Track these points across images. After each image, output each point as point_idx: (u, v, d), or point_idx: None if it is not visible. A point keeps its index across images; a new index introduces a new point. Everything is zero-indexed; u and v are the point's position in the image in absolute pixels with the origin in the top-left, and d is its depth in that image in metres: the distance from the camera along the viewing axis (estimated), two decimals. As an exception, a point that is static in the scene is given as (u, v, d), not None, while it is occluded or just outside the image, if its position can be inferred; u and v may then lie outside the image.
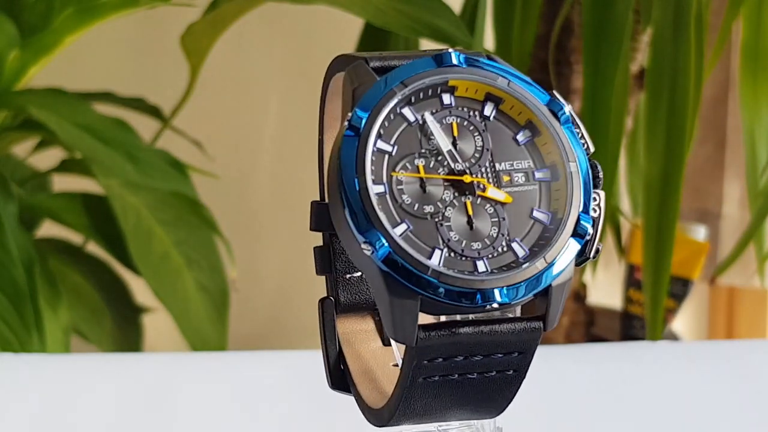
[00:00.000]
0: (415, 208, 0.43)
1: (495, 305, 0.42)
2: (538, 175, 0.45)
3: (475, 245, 0.43)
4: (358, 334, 0.50)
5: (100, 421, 0.68)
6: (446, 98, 0.44)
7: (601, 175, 0.45)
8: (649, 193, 1.00)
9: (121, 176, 1.03)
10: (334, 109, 0.48)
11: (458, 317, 0.43)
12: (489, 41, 1.24)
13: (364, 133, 0.42)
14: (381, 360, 0.49)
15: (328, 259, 0.49)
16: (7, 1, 1.06)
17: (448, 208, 0.43)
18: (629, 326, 1.37)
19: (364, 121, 0.42)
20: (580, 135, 0.45)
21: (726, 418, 0.68)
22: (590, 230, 0.44)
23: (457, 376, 0.44)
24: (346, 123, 0.42)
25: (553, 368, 0.66)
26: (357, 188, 0.42)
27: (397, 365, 0.49)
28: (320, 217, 0.44)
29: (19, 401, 0.70)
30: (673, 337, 1.38)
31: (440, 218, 0.43)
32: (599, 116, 0.97)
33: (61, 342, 1.02)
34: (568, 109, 0.45)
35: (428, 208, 0.43)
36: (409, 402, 0.44)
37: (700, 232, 1.36)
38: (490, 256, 0.43)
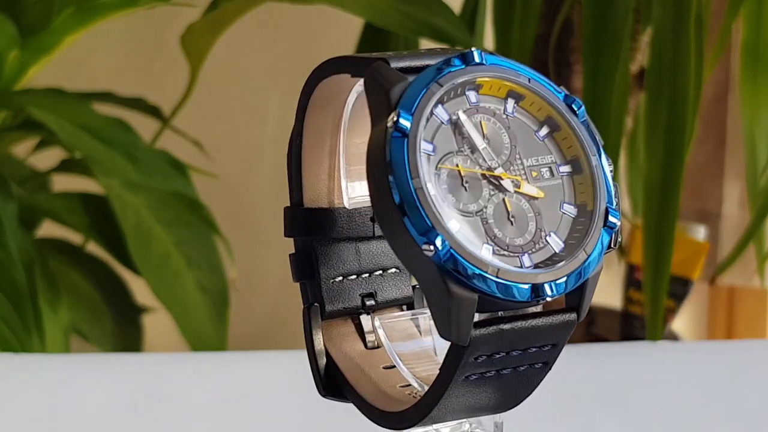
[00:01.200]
0: (461, 206, 0.43)
1: (547, 299, 0.43)
2: (561, 169, 0.45)
3: (518, 241, 0.44)
4: (344, 338, 0.50)
5: (100, 421, 0.68)
6: (472, 96, 0.45)
7: (612, 167, 0.46)
8: (649, 193, 1.00)
9: (121, 176, 1.03)
10: (317, 113, 0.48)
11: (500, 313, 0.43)
12: (489, 41, 1.24)
13: (412, 134, 0.42)
14: (371, 363, 0.49)
15: (309, 265, 0.49)
16: (7, 1, 1.06)
17: (489, 205, 0.43)
18: (629, 326, 1.37)
19: (410, 123, 0.42)
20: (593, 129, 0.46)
21: (726, 418, 0.68)
22: (618, 221, 0.45)
23: (493, 372, 0.44)
24: (390, 125, 0.42)
25: (553, 368, 0.66)
26: (412, 189, 0.41)
27: (388, 367, 0.49)
28: (295, 222, 0.46)
29: (19, 401, 0.70)
30: (673, 337, 1.38)
31: (484, 215, 0.43)
32: (599, 116, 0.97)
33: (61, 342, 1.02)
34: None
35: (472, 206, 0.43)
36: (445, 402, 0.44)
37: (700, 232, 1.36)
38: (531, 251, 0.44)
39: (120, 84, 1.27)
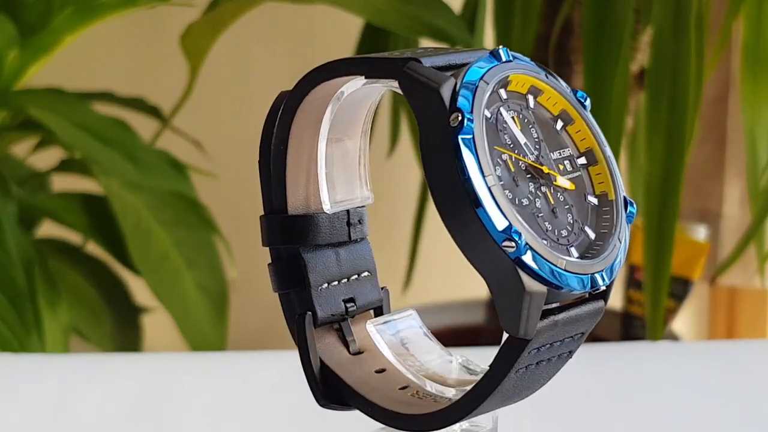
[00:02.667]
0: (517, 201, 0.43)
1: (601, 288, 0.44)
2: (578, 161, 0.46)
3: (564, 233, 0.44)
4: (333, 345, 0.50)
5: (100, 421, 0.68)
6: (502, 93, 0.45)
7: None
8: (650, 193, 1.00)
9: (120, 176, 1.03)
10: (302, 118, 0.47)
11: (554, 304, 0.44)
12: (489, 41, 1.24)
13: (477, 133, 0.42)
14: (362, 368, 0.49)
15: (296, 273, 0.48)
16: (7, 1, 1.05)
17: (536, 199, 0.44)
18: (629, 326, 1.37)
19: (474, 122, 0.42)
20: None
21: (726, 418, 0.68)
22: (635, 210, 0.46)
23: (535, 363, 0.44)
24: (456, 125, 0.42)
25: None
26: (488, 188, 0.41)
27: (379, 371, 0.48)
28: (281, 230, 0.45)
29: (19, 401, 0.70)
30: (673, 337, 1.38)
31: (534, 209, 0.44)
32: (599, 116, 0.97)
33: (60, 342, 1.02)
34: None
35: (525, 201, 0.44)
36: (494, 397, 0.44)
37: (700, 232, 1.36)
38: (574, 242, 0.44)
39: (120, 84, 1.27)
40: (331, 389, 0.48)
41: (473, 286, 1.51)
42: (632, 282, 1.37)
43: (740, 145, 1.46)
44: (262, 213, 0.47)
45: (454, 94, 0.42)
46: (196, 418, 0.68)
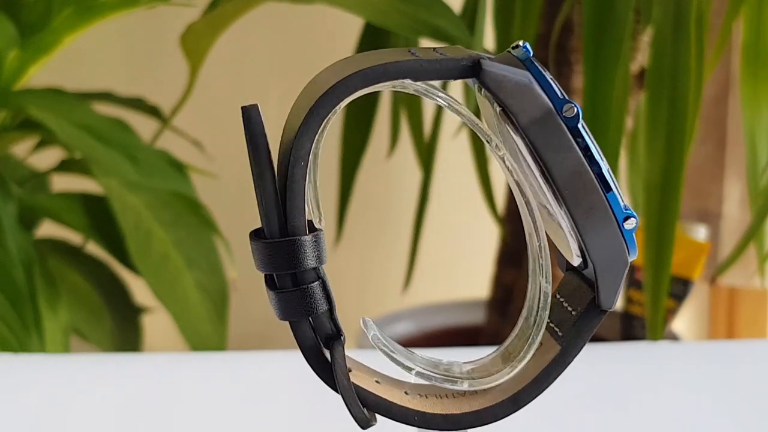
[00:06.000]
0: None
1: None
2: None
3: None
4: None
5: (100, 421, 0.68)
6: None
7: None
8: (649, 193, 1.00)
9: (120, 176, 1.03)
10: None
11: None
12: (489, 41, 1.24)
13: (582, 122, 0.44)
14: (367, 381, 0.48)
15: (322, 296, 0.44)
16: (7, 1, 1.06)
17: None
18: (629, 326, 1.37)
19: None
20: None
21: (726, 418, 0.68)
22: None
23: None
24: (571, 115, 0.43)
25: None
26: (605, 171, 0.44)
27: (378, 382, 0.47)
28: (307, 253, 0.43)
29: (18, 401, 0.70)
30: (674, 337, 1.38)
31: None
32: (599, 116, 0.97)
33: (60, 342, 1.02)
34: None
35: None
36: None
37: (700, 232, 1.36)
38: None
39: (120, 84, 1.27)
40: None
41: (473, 286, 1.52)
42: (632, 282, 1.37)
43: (740, 145, 1.46)
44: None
45: (545, 88, 0.43)
46: (196, 418, 0.68)
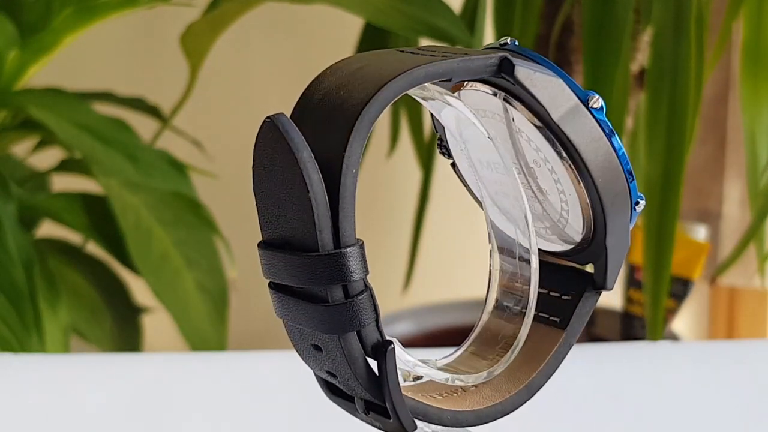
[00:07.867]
0: None
1: None
2: None
3: None
4: None
5: (100, 421, 0.68)
6: None
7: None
8: (650, 193, 1.00)
9: (120, 176, 1.03)
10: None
11: None
12: (489, 41, 1.24)
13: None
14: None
15: (371, 302, 0.42)
16: (7, 1, 1.06)
17: None
18: (629, 326, 1.37)
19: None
20: None
21: (726, 418, 0.68)
22: None
23: None
24: (598, 106, 0.44)
25: (553, 368, 0.66)
26: (623, 155, 0.45)
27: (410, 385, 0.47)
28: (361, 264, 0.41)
29: (18, 401, 0.70)
30: (673, 337, 1.38)
31: None
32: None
33: (60, 342, 1.02)
34: None
35: None
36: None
37: (700, 232, 1.36)
38: None
39: (120, 84, 1.27)
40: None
41: (473, 286, 1.51)
42: (632, 282, 1.37)
43: (740, 145, 1.46)
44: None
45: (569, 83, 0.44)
46: (196, 418, 0.68)
